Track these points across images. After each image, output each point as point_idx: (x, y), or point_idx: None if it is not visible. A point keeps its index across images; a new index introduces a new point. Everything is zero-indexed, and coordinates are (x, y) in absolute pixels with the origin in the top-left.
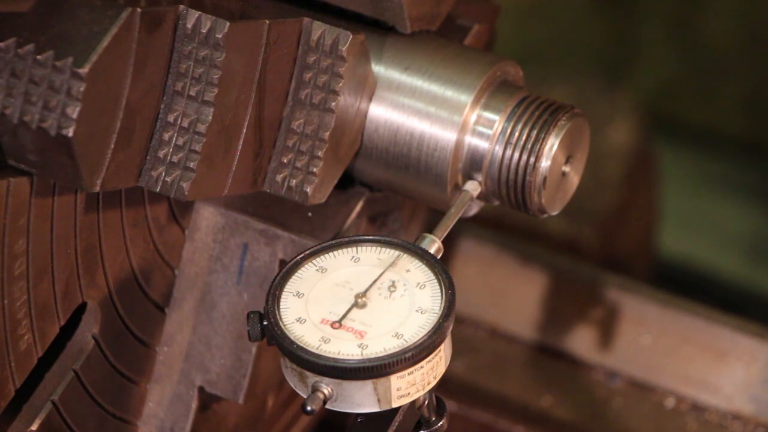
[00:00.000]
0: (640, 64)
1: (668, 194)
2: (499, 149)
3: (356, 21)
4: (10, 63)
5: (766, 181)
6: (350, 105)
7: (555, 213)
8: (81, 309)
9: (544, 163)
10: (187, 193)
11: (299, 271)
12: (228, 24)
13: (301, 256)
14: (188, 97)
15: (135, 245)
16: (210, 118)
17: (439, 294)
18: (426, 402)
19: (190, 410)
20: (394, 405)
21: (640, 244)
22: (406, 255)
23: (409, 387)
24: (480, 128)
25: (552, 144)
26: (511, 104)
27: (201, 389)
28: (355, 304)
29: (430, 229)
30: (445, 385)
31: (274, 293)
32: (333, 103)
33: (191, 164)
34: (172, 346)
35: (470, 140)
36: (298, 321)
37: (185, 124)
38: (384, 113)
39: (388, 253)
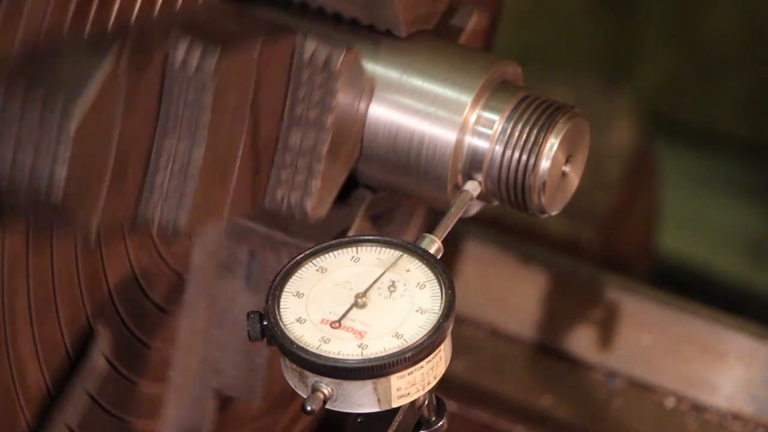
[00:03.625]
0: (640, 64)
1: (668, 194)
2: (499, 149)
3: (353, 25)
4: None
5: (766, 181)
6: (346, 118)
7: (555, 213)
8: (90, 335)
9: (544, 163)
10: (183, 225)
11: (299, 271)
12: (216, 56)
13: (301, 256)
14: (179, 136)
15: (139, 259)
16: (202, 153)
17: (439, 294)
18: (426, 402)
19: (208, 413)
20: (394, 405)
21: (640, 244)
22: (406, 255)
23: (409, 387)
24: (480, 128)
25: (552, 144)
26: (511, 104)
27: (218, 392)
28: (355, 304)
29: (430, 229)
30: (445, 385)
31: (274, 293)
32: (328, 119)
33: (186, 200)
34: (187, 353)
35: (470, 140)
36: (298, 321)
37: (178, 161)
38: (384, 114)
39: (388, 253)
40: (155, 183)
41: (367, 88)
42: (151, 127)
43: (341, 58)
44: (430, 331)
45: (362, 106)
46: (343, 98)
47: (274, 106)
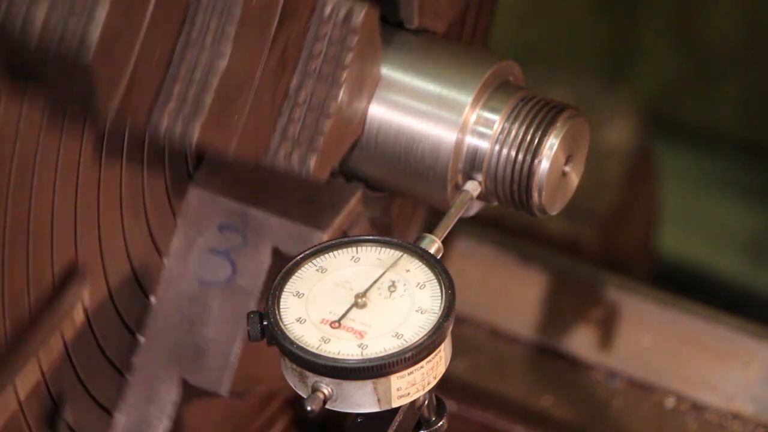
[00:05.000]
0: (640, 64)
1: (668, 194)
2: (499, 149)
3: None
4: None
5: (766, 181)
6: (358, 81)
7: (555, 213)
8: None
9: (544, 163)
10: (195, 138)
11: (299, 271)
12: None
13: (301, 256)
14: (203, 45)
15: (132, 235)
16: (225, 64)
17: (439, 294)
18: (426, 402)
19: (172, 402)
20: (394, 405)
21: (640, 244)
22: (406, 255)
23: (409, 387)
24: (480, 128)
25: (552, 144)
26: (511, 104)
27: (185, 382)
28: (355, 304)
29: (430, 229)
30: (445, 385)
31: (274, 293)
32: (342, 75)
33: (201, 110)
34: (156, 338)
35: (470, 140)
36: (298, 321)
37: (199, 70)
38: (384, 113)
39: (388, 253)
40: (173, 91)
41: (380, 59)
42: (177, 28)
43: (363, 14)
44: (430, 331)
45: (373, 76)
46: (358, 58)
47: (289, 60)
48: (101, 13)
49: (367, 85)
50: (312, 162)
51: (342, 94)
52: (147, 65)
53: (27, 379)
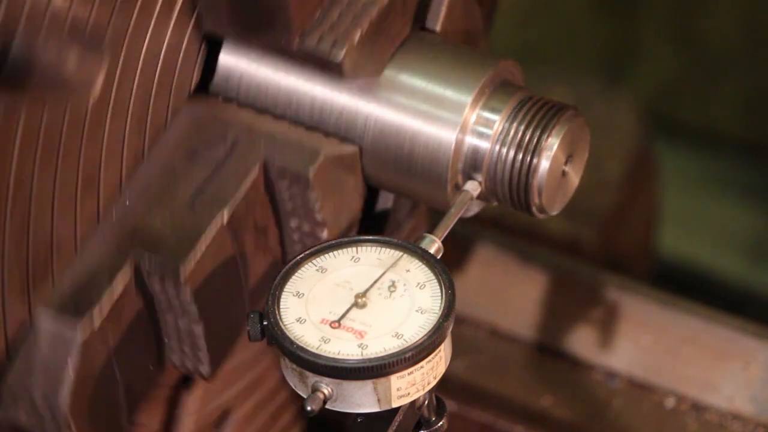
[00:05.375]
0: (640, 64)
1: (668, 194)
2: (499, 149)
3: None
4: None
5: (766, 181)
6: None
7: (555, 213)
8: None
9: (544, 163)
10: None
11: (299, 271)
12: None
13: (301, 256)
14: None
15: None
16: None
17: (439, 294)
18: (426, 402)
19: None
20: (394, 405)
21: (640, 244)
22: (406, 255)
23: (409, 387)
24: (480, 128)
25: (552, 144)
26: (511, 104)
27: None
28: (355, 304)
29: (430, 229)
30: (445, 385)
31: (274, 293)
32: None
33: None
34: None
35: (470, 140)
36: (298, 321)
37: None
38: (384, 113)
39: (388, 253)
40: None
41: None
42: None
43: None
44: (430, 331)
45: None
46: None
47: None
48: None
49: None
50: (343, 50)
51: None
52: None
53: None
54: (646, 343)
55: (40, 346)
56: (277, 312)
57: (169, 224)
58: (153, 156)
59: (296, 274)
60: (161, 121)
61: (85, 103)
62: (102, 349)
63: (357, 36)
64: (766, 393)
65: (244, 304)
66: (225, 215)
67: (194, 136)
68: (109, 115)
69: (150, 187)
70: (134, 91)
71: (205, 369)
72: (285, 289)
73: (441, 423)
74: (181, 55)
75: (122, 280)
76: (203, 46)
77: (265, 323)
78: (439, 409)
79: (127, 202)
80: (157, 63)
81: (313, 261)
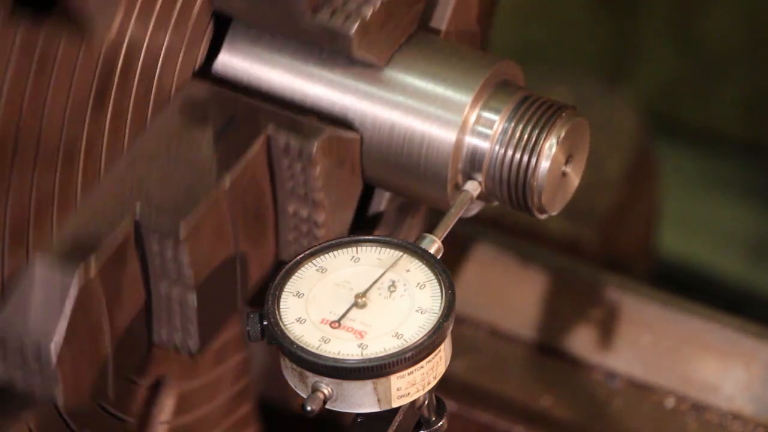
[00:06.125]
0: (640, 64)
1: (668, 194)
2: (499, 149)
3: None
4: None
5: (766, 181)
6: None
7: (555, 213)
8: None
9: (544, 163)
10: None
11: (299, 271)
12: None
13: (301, 256)
14: None
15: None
16: None
17: (439, 294)
18: (426, 402)
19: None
20: (394, 405)
21: (640, 244)
22: (406, 255)
23: (409, 387)
24: (480, 128)
25: (552, 144)
26: (511, 104)
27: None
28: (355, 304)
29: (430, 229)
30: (445, 385)
31: (274, 293)
32: None
33: None
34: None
35: (470, 140)
36: (298, 321)
37: None
38: (384, 113)
39: (388, 253)
40: None
41: None
42: None
43: None
44: (430, 331)
45: None
46: None
47: None
48: None
49: None
50: (354, 26)
51: None
52: None
53: None
54: (646, 343)
55: (34, 291)
56: (277, 312)
57: (172, 184)
58: (156, 123)
59: (296, 273)
60: (165, 95)
61: (99, 46)
62: (96, 302)
63: (369, 13)
64: (767, 393)
65: (235, 285)
66: (227, 180)
67: (198, 109)
68: (116, 79)
69: (153, 149)
70: (142, 58)
71: (193, 343)
72: (285, 289)
73: (441, 423)
74: (189, 29)
75: (122, 232)
76: (211, 23)
77: (265, 323)
78: (439, 409)
79: (129, 162)
80: (165, 35)
81: (313, 261)
